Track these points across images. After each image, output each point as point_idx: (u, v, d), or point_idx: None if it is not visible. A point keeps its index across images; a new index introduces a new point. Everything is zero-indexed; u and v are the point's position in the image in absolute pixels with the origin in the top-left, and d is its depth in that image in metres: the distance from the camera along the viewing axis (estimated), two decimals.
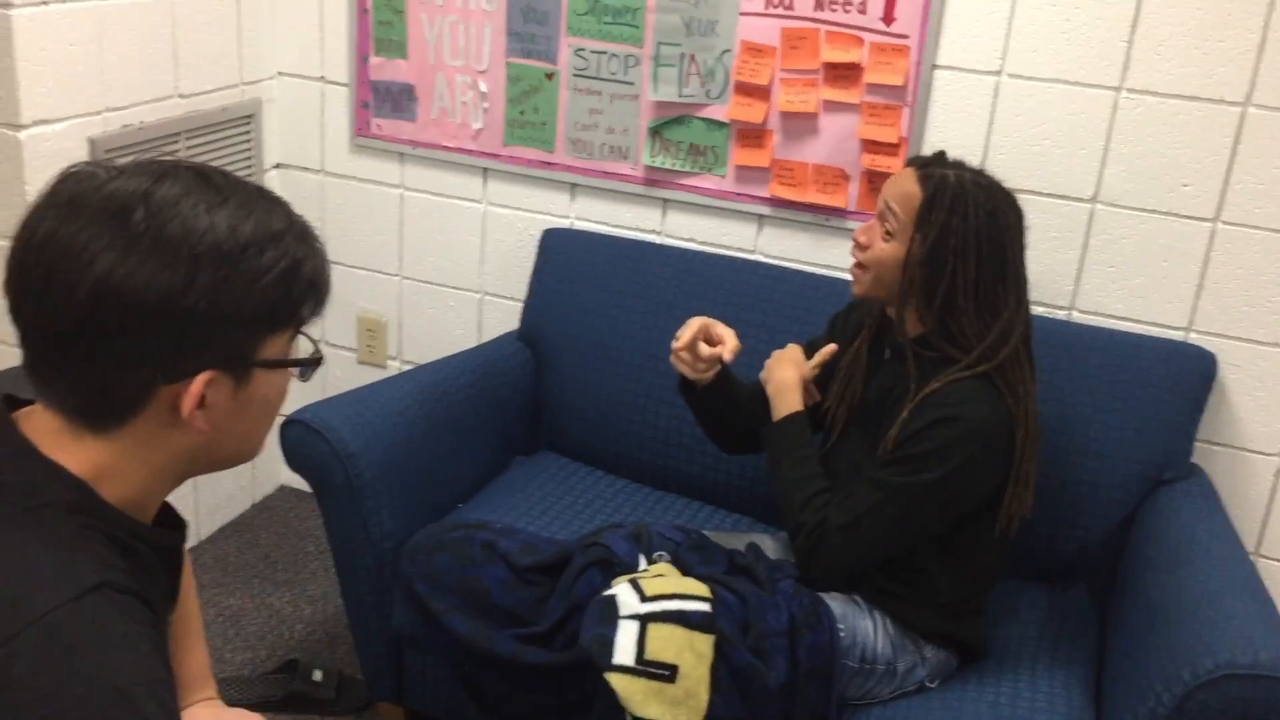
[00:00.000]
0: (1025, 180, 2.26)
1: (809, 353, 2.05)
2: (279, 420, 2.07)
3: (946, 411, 1.76)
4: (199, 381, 0.99)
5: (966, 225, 1.77)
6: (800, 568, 1.88)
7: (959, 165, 1.86)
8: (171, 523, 1.14)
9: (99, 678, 0.90)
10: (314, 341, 1.11)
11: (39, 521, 0.96)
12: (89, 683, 0.89)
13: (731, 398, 2.07)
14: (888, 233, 1.83)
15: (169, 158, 1.04)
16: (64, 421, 1.00)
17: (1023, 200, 2.25)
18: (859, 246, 1.88)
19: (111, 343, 0.95)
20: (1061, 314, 2.31)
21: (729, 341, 1.96)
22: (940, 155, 1.88)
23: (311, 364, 1.09)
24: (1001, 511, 1.82)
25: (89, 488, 1.00)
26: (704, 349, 1.97)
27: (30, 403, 1.05)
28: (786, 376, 1.99)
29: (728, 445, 2.16)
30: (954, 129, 2.29)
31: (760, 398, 2.05)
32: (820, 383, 2.04)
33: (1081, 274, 2.28)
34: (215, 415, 1.02)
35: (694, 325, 1.97)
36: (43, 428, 1.01)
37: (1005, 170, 2.25)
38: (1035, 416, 1.83)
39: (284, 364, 1.06)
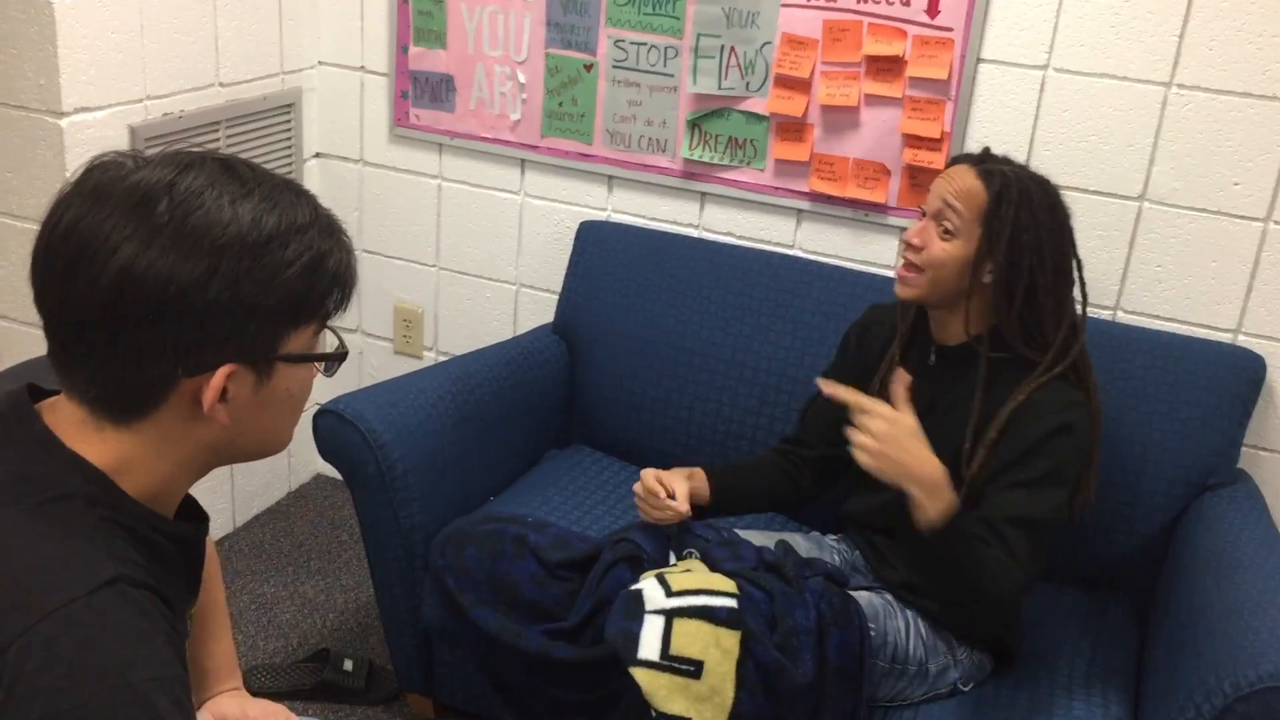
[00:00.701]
0: (1071, 177, 2.21)
1: (832, 377, 1.98)
2: (312, 410, 2.08)
3: (1060, 420, 1.74)
4: (220, 374, 0.98)
5: (1037, 221, 1.75)
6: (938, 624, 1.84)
7: (1009, 161, 1.83)
8: (194, 515, 1.13)
9: (112, 673, 0.89)
10: (339, 336, 1.10)
11: (57, 513, 0.96)
12: (101, 678, 0.89)
13: (739, 502, 2.02)
14: (946, 231, 1.79)
15: (197, 149, 1.03)
16: (86, 412, 1.00)
17: (1068, 197, 2.20)
18: (912, 249, 1.82)
19: (133, 333, 0.95)
20: (1106, 314, 2.26)
21: (679, 493, 1.88)
22: (987, 151, 1.85)
23: (336, 359, 1.08)
24: (1075, 504, 1.80)
25: (109, 480, 0.99)
26: (667, 503, 1.87)
27: (55, 393, 1.05)
28: (934, 462, 1.66)
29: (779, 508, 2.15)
30: (998, 124, 2.25)
31: (765, 467, 2.04)
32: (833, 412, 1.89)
33: (1127, 273, 2.24)
34: (237, 409, 1.01)
35: (648, 478, 1.90)
36: (66, 418, 1.01)
37: (1051, 167, 2.21)
38: (1100, 421, 1.83)
39: (308, 358, 1.05)
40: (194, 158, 0.99)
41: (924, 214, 1.84)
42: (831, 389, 1.73)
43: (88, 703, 0.88)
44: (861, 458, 1.65)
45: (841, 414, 1.98)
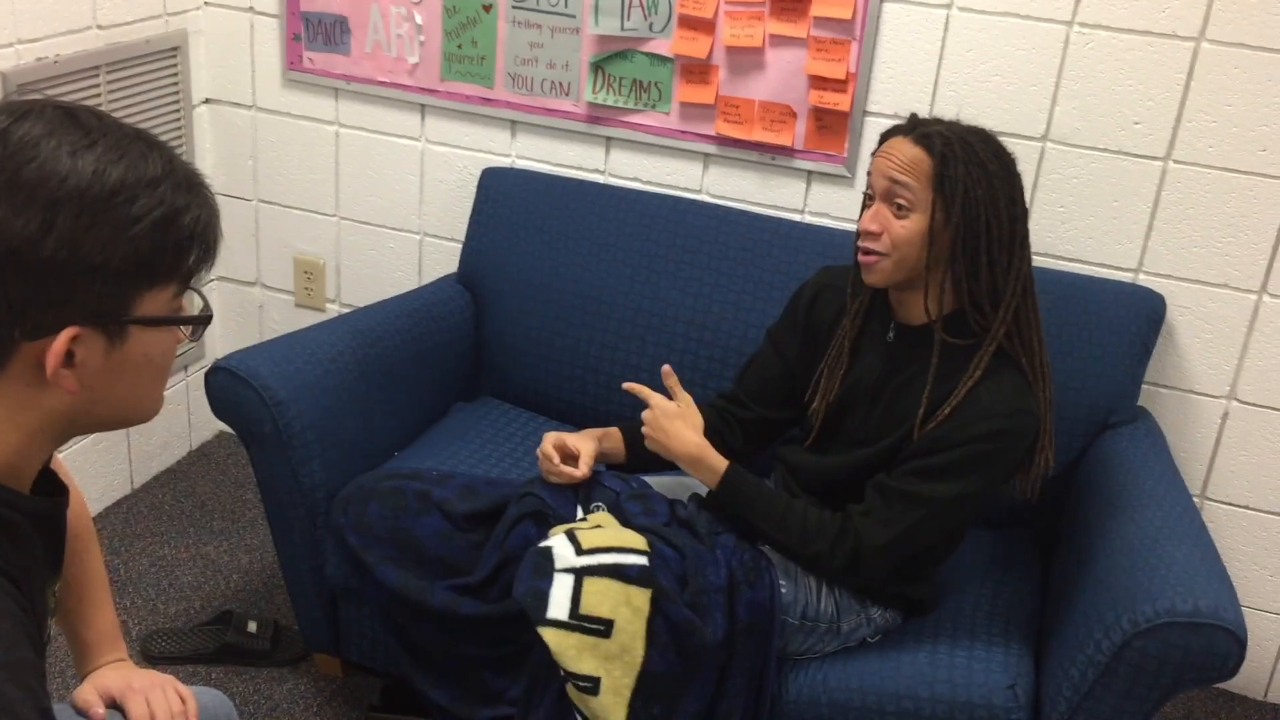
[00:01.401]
0: (975, 118, 2.17)
1: (774, 340, 1.98)
2: (208, 364, 2.00)
3: (995, 425, 1.69)
4: (63, 338, 0.92)
5: (987, 172, 1.69)
6: (835, 582, 1.82)
7: (939, 121, 1.76)
8: (52, 489, 1.07)
9: None
10: (204, 297, 1.04)
11: None
12: None
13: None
14: (900, 208, 1.71)
15: (37, 96, 0.96)
16: None
17: None
18: (870, 236, 1.74)
19: None
20: None
21: (583, 455, 1.88)
22: (915, 117, 1.77)
23: (198, 322, 1.02)
24: (1030, 477, 1.78)
25: None
26: (562, 468, 1.86)
27: None
28: (689, 441, 1.84)
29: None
30: (903, 64, 2.22)
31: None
32: (797, 378, 1.96)
33: (1031, 214, 2.23)
34: (86, 375, 0.95)
35: (547, 443, 1.89)
36: None
37: (954, 108, 2.20)
38: (1050, 379, 1.78)
39: (163, 321, 0.98)
40: (32, 105, 0.93)
41: (870, 198, 1.76)
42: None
43: None
44: (647, 440, 1.88)
45: (780, 376, 1.97)
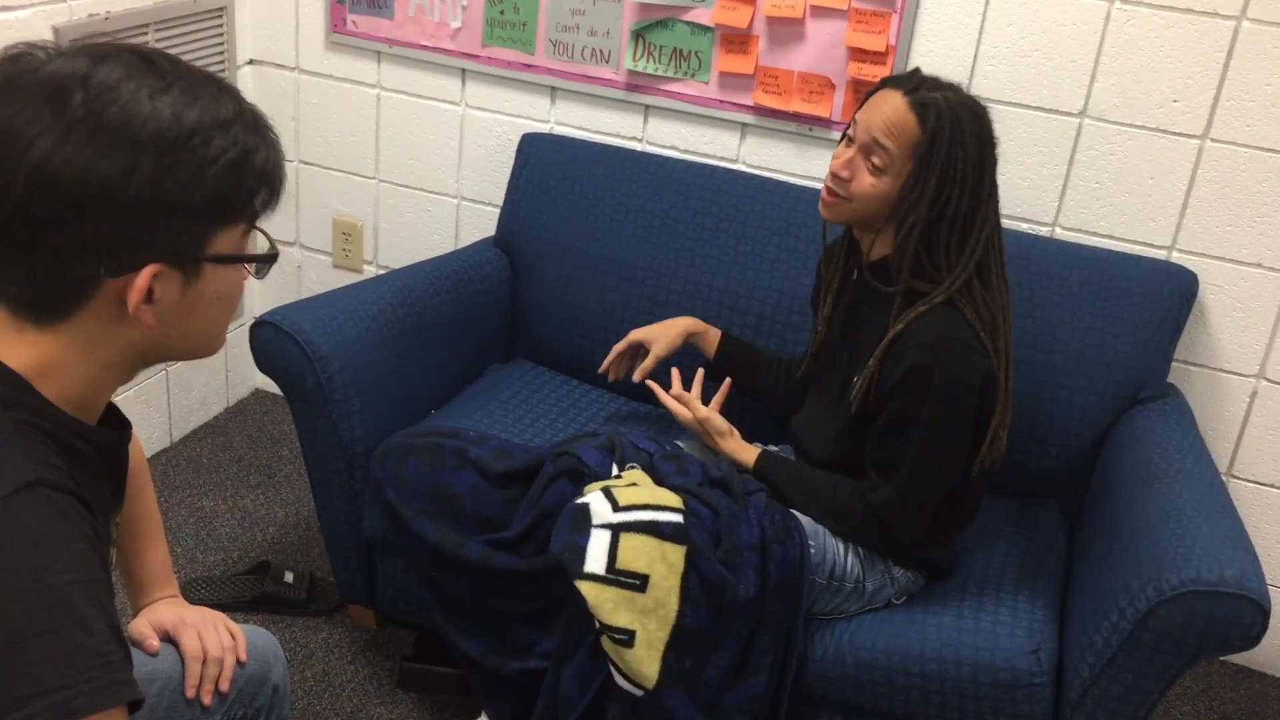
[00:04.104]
0: (1013, 93, 2.22)
1: (811, 305, 2.05)
2: (248, 321, 2.05)
3: (919, 357, 1.71)
4: (145, 275, 0.95)
5: (965, 156, 1.71)
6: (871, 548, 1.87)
7: (939, 85, 1.76)
8: (116, 423, 1.11)
9: (32, 574, 0.88)
10: (269, 237, 1.07)
11: None
12: (21, 580, 0.88)
13: (742, 371, 2.14)
14: (875, 167, 1.74)
15: (113, 40, 0.99)
16: (7, 315, 0.98)
17: (1010, 114, 2.23)
18: (838, 179, 1.78)
19: (52, 233, 0.92)
20: (1044, 230, 2.29)
21: (644, 364, 2.11)
22: (918, 73, 1.79)
23: (267, 260, 1.06)
24: (979, 455, 1.80)
25: (28, 384, 0.97)
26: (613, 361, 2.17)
27: None
28: (730, 446, 1.99)
29: (768, 406, 2.19)
30: (943, 38, 2.24)
31: (772, 366, 2.13)
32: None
33: (1066, 190, 2.25)
34: (163, 310, 0.99)
35: (623, 344, 2.17)
36: None
37: (994, 83, 2.21)
38: (1009, 347, 1.80)
39: (236, 259, 1.02)
40: (110, 49, 0.95)
41: (850, 138, 1.79)
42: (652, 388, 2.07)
43: (7, 605, 0.87)
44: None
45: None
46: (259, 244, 1.07)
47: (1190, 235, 2.20)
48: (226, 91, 0.99)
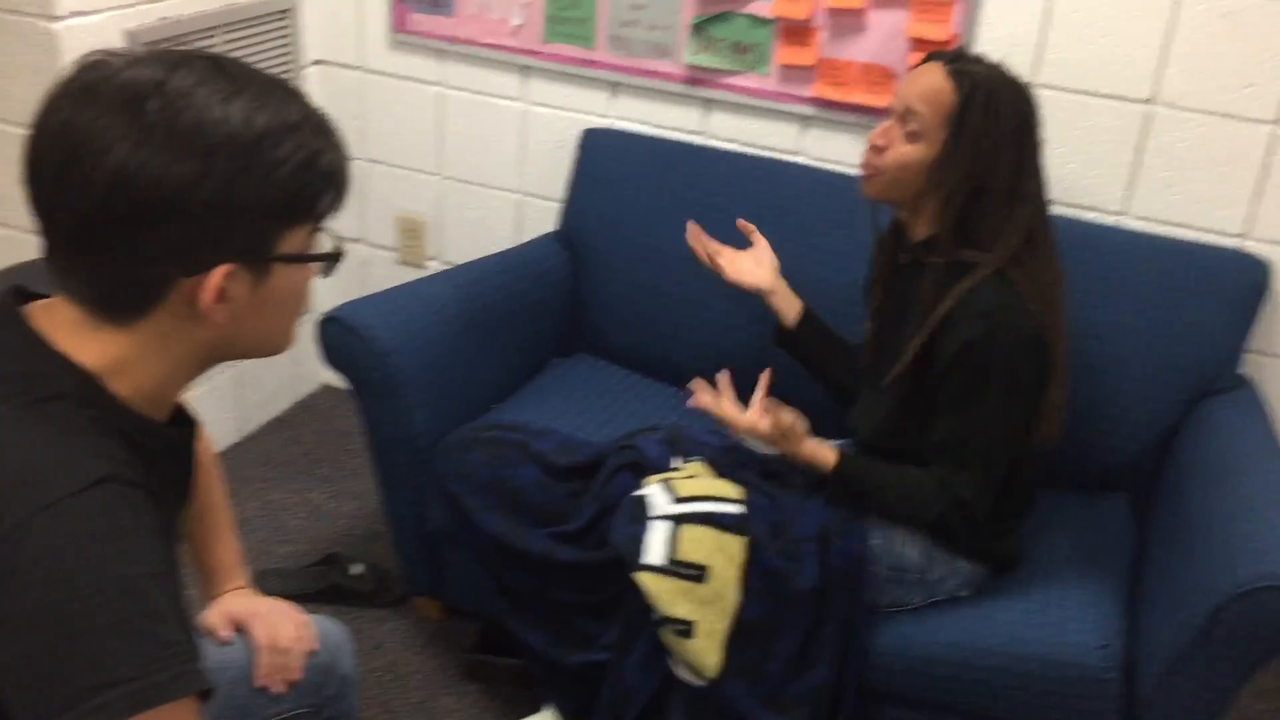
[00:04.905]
0: (1080, 81, 2.18)
1: (864, 296, 2.02)
2: (315, 318, 2.08)
3: (964, 336, 1.70)
4: (217, 274, 0.98)
5: (1000, 127, 1.71)
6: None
7: (981, 60, 1.78)
8: (184, 421, 1.14)
9: (105, 566, 0.91)
10: (335, 236, 1.09)
11: (49, 413, 0.97)
12: (95, 571, 0.90)
13: (817, 349, 2.10)
14: (911, 134, 1.75)
15: (186, 47, 1.01)
16: (84, 313, 1.00)
17: (1077, 101, 2.20)
18: (875, 149, 1.79)
19: (128, 234, 0.95)
20: (1112, 220, 2.25)
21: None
22: (961, 50, 1.81)
23: (333, 258, 1.08)
24: (1037, 429, 1.79)
25: (98, 382, 1.00)
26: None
27: (44, 296, 1.05)
28: (810, 449, 1.83)
29: (833, 393, 2.14)
30: (1007, 26, 2.21)
31: (846, 352, 2.08)
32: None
33: (1136, 178, 2.21)
34: (235, 309, 1.01)
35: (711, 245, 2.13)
36: (62, 319, 1.01)
37: (1060, 70, 2.18)
38: (1065, 326, 1.78)
39: (304, 258, 1.05)
40: (183, 56, 0.98)
41: (891, 112, 1.81)
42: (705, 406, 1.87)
43: (81, 596, 0.89)
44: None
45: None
46: (324, 243, 1.08)
47: (1263, 223, 2.16)
48: (294, 95, 1.01)
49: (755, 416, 1.81)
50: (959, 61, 1.75)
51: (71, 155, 0.94)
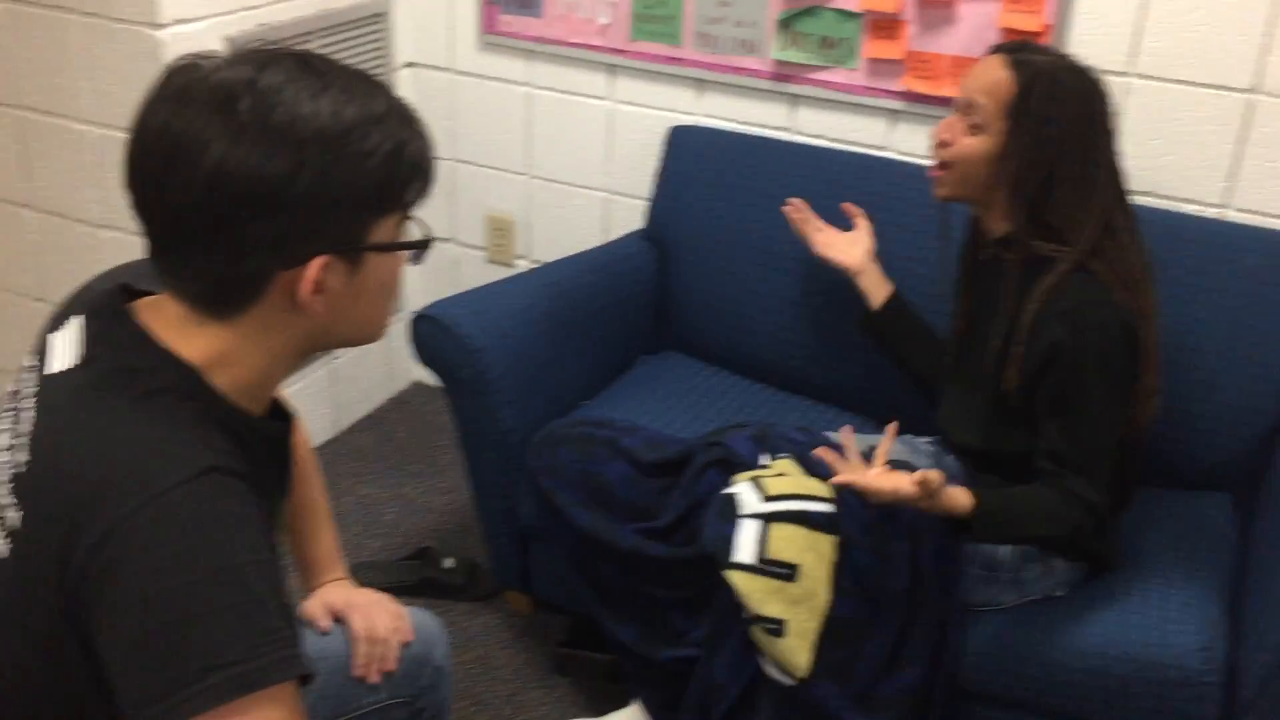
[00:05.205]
0: (1180, 70, 2.13)
1: (955, 291, 2.00)
2: (407, 316, 2.12)
3: (1062, 328, 1.68)
4: (314, 266, 1.00)
5: (1064, 113, 1.69)
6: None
7: (1045, 50, 1.76)
8: (281, 415, 1.17)
9: (212, 554, 0.94)
10: (423, 224, 1.11)
11: (156, 405, 1.00)
12: (201, 559, 0.93)
13: (903, 335, 2.09)
14: (974, 126, 1.74)
15: (272, 46, 1.04)
16: (188, 310, 1.04)
17: (1177, 91, 2.15)
18: (941, 145, 1.79)
19: (229, 230, 0.98)
20: (1214, 212, 2.19)
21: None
22: (1026, 41, 1.80)
23: (423, 246, 1.10)
24: (1132, 414, 1.75)
25: (200, 376, 1.03)
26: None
27: (148, 293, 1.08)
28: (948, 498, 1.69)
29: (915, 383, 2.12)
30: (1103, 15, 2.16)
31: (932, 342, 2.06)
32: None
33: (1239, 169, 2.15)
34: (332, 299, 1.04)
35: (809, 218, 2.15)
36: (167, 316, 1.04)
37: (1158, 60, 2.13)
38: (1154, 310, 1.75)
39: (396, 247, 1.07)
40: (271, 55, 1.01)
41: (955, 106, 1.80)
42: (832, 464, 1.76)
43: (188, 582, 0.92)
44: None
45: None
46: (414, 232, 1.11)
47: None
48: (378, 88, 1.03)
49: (899, 482, 1.66)
50: (1021, 52, 1.74)
51: (170, 156, 0.97)
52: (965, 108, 1.76)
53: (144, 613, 0.92)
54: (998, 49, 1.78)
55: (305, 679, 0.98)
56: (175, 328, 1.04)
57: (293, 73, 0.99)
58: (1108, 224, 1.72)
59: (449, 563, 2.38)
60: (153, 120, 0.99)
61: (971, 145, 1.75)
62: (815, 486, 1.77)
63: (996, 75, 1.73)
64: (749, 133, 2.51)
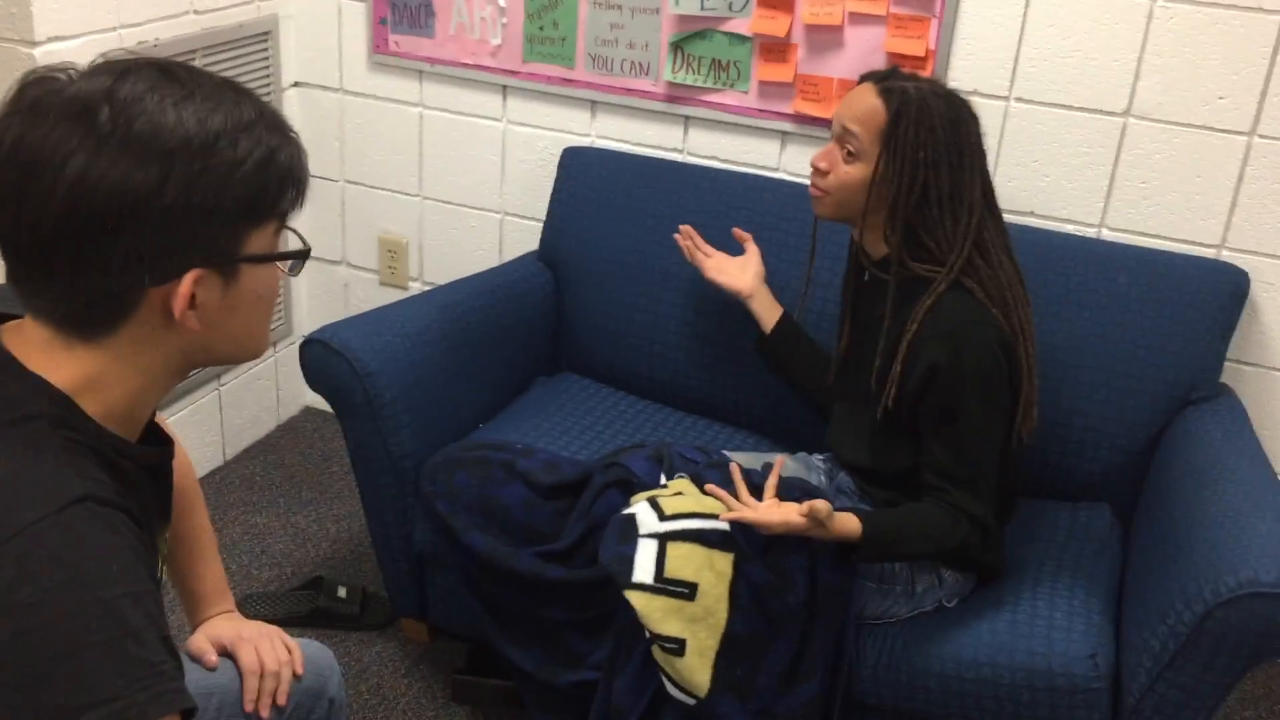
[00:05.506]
0: (1057, 94, 2.20)
1: (841, 326, 2.04)
2: (297, 340, 2.08)
3: (930, 359, 1.73)
4: (187, 280, 0.97)
5: (935, 138, 1.74)
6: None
7: (915, 78, 1.82)
8: (158, 441, 1.13)
9: (83, 588, 0.90)
10: (299, 235, 1.09)
11: (23, 434, 0.96)
12: (73, 593, 0.89)
13: (794, 356, 2.13)
14: (849, 154, 1.80)
15: (130, 55, 1.01)
16: (54, 332, 0.99)
17: (1054, 115, 2.22)
18: (819, 173, 1.85)
19: (94, 247, 0.94)
20: (1091, 231, 2.27)
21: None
22: (894, 69, 1.86)
23: (300, 256, 1.07)
24: (1014, 430, 1.80)
25: (72, 402, 0.99)
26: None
27: (16, 316, 1.04)
28: (837, 527, 1.71)
29: (808, 401, 2.17)
30: (982, 41, 2.23)
31: (822, 361, 2.09)
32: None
33: (1112, 190, 2.23)
34: (207, 314, 1.01)
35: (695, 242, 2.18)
36: (32, 340, 1.00)
37: (1036, 84, 2.20)
38: (1030, 325, 1.81)
39: (272, 258, 1.04)
40: (130, 64, 0.97)
41: (831, 134, 1.85)
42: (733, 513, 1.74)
43: (60, 618, 0.89)
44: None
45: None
46: (289, 243, 1.08)
47: (1240, 233, 2.18)
48: (245, 95, 1.01)
49: (788, 513, 1.69)
50: (890, 79, 1.80)
51: (27, 172, 0.93)
52: (840, 136, 1.82)
53: (15, 651, 0.88)
54: (867, 77, 1.84)
55: (187, 714, 0.94)
56: (42, 352, 0.99)
57: (154, 81, 0.96)
58: (980, 243, 1.77)
59: (342, 592, 2.33)
60: (6, 135, 0.94)
61: (849, 173, 1.81)
62: (712, 505, 1.78)
63: (868, 103, 1.78)
64: (642, 154, 2.52)
